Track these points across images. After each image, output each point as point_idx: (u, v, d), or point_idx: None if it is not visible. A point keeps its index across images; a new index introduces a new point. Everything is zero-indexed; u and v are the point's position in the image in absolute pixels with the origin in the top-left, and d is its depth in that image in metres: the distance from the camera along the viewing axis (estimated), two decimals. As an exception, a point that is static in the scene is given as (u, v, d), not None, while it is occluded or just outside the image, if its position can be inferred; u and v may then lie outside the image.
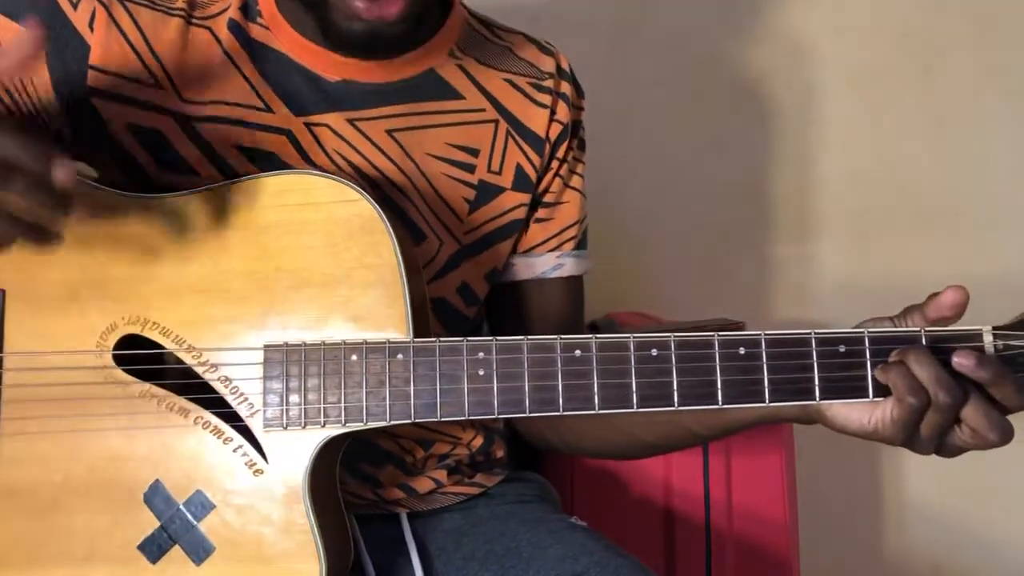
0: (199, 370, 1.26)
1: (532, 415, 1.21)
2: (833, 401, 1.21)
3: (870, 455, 2.30)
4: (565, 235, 1.56)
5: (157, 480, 1.25)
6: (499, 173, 1.49)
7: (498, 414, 1.21)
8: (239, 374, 1.25)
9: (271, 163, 1.38)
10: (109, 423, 1.25)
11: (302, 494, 1.23)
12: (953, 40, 2.33)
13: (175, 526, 1.24)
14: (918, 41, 2.34)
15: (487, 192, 1.49)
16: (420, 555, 1.45)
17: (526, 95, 1.51)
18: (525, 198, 1.51)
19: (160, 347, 1.26)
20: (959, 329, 1.19)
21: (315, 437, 1.23)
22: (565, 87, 1.54)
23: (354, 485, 1.43)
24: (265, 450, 1.24)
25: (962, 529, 2.35)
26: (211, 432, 1.25)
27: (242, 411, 1.24)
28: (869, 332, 1.20)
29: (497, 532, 1.47)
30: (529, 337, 1.21)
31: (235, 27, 1.39)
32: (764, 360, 1.19)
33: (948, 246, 2.34)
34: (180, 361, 1.27)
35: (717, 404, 1.19)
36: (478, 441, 1.55)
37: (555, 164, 1.53)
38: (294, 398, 1.23)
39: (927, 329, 1.19)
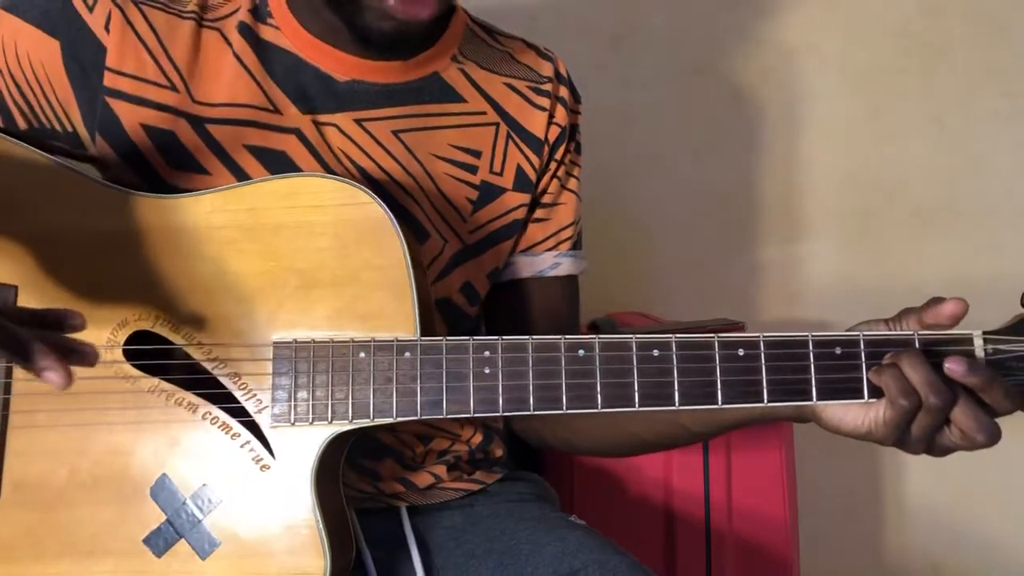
0: (208, 366, 1.27)
1: (536, 413, 1.22)
2: (828, 402, 1.23)
3: (870, 455, 2.31)
4: (562, 235, 1.58)
5: (164, 474, 1.26)
6: (500, 174, 1.51)
7: (503, 412, 1.23)
8: (248, 370, 1.26)
9: (281, 162, 1.40)
10: (117, 417, 1.26)
11: (308, 490, 1.23)
12: (953, 40, 2.33)
13: (181, 520, 1.25)
14: (918, 41, 2.34)
15: (489, 192, 1.50)
16: (420, 551, 1.45)
17: (525, 99, 1.53)
18: (525, 198, 1.53)
19: (170, 343, 1.27)
20: (950, 333, 1.21)
21: (322, 433, 1.24)
22: (563, 91, 1.56)
23: (353, 478, 1.44)
24: (272, 446, 1.25)
25: (962, 529, 2.35)
26: (219, 427, 1.26)
27: (250, 407, 1.25)
28: (864, 335, 1.22)
29: (497, 530, 1.48)
30: (534, 337, 1.23)
31: (245, 29, 1.41)
32: (763, 361, 1.21)
33: (947, 246, 2.34)
34: (190, 357, 1.27)
35: (717, 404, 1.21)
36: (477, 439, 1.57)
37: (553, 165, 1.55)
38: (302, 394, 1.24)
39: (920, 333, 1.22)
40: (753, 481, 1.85)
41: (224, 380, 1.26)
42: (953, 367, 1.17)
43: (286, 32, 1.42)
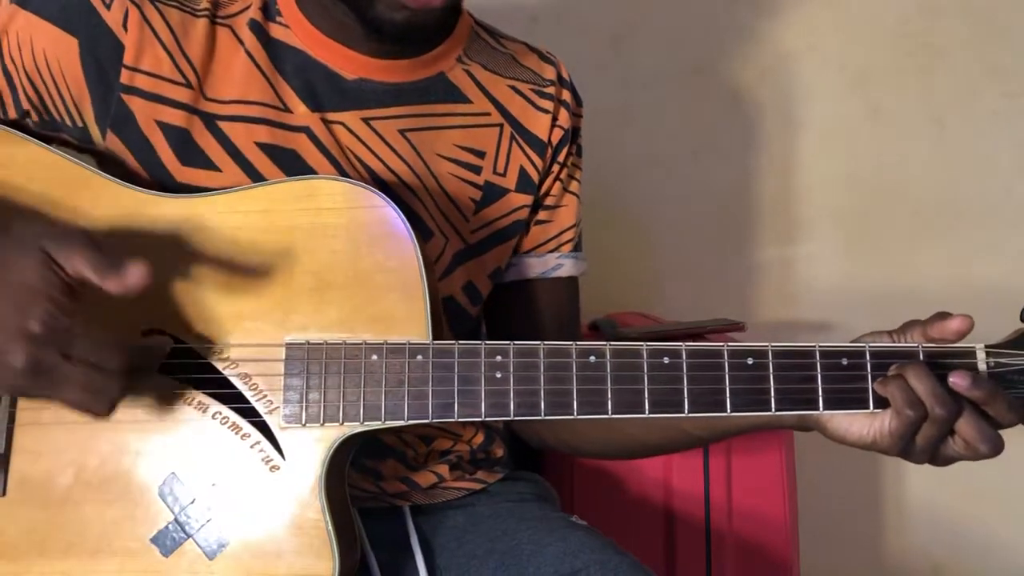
0: (219, 365, 1.27)
1: (547, 419, 1.23)
2: (834, 412, 1.24)
3: (870, 456, 2.28)
4: (564, 237, 1.59)
5: (173, 473, 1.26)
6: (504, 175, 1.52)
7: (514, 417, 1.23)
8: (259, 371, 1.26)
9: (292, 160, 1.40)
10: (126, 416, 1.25)
11: (318, 492, 1.23)
12: (953, 40, 2.34)
13: (190, 520, 1.24)
14: (918, 41, 2.34)
15: (493, 193, 1.51)
16: (423, 552, 1.46)
17: (529, 101, 1.54)
18: (528, 199, 1.54)
19: (182, 342, 1.27)
20: (953, 347, 1.23)
21: (333, 435, 1.24)
22: (566, 95, 1.57)
23: (356, 478, 1.44)
24: (282, 447, 1.24)
25: (962, 529, 2.35)
26: (229, 427, 1.25)
27: (261, 407, 1.25)
28: (870, 347, 1.23)
29: (498, 530, 1.48)
30: (545, 342, 1.23)
31: (255, 26, 1.41)
32: (771, 370, 1.22)
33: (947, 246, 2.35)
34: (201, 356, 1.27)
35: (725, 411, 1.22)
36: (479, 439, 1.57)
37: (556, 168, 1.56)
38: (314, 396, 1.24)
39: (924, 345, 1.23)
40: (753, 481, 1.85)
41: (235, 380, 1.26)
42: (957, 381, 1.18)
43: (295, 30, 1.42)
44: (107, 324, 1.17)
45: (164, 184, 1.38)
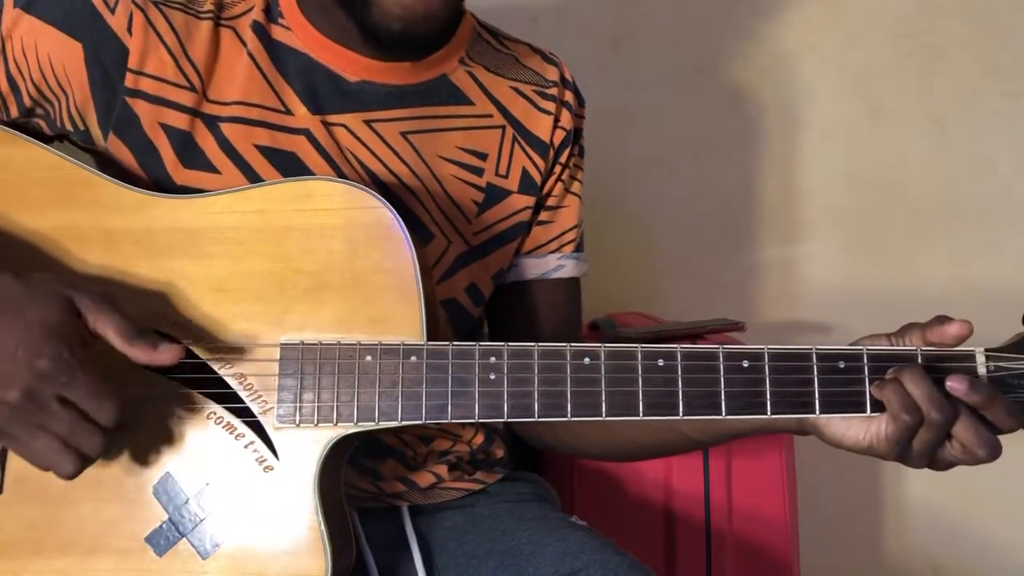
0: (214, 366, 1.27)
1: (540, 420, 1.23)
2: (831, 415, 1.23)
3: (869, 457, 2.29)
4: (565, 238, 1.59)
5: (167, 473, 1.26)
6: (506, 177, 1.52)
7: (507, 418, 1.23)
8: (254, 371, 1.26)
9: (290, 163, 1.40)
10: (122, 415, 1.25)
11: (311, 492, 1.23)
12: (953, 40, 2.34)
13: (183, 519, 1.25)
14: (918, 41, 2.34)
15: (495, 195, 1.51)
16: (421, 552, 1.46)
17: (531, 102, 1.54)
18: (530, 201, 1.54)
19: (177, 342, 1.26)
20: (953, 350, 1.22)
21: (326, 436, 1.24)
22: (568, 96, 1.57)
23: (355, 478, 1.44)
24: (276, 447, 1.25)
25: (962, 529, 2.35)
26: (223, 427, 1.26)
27: (255, 408, 1.25)
28: (868, 349, 1.23)
29: (498, 531, 1.48)
30: (540, 344, 1.23)
31: (258, 28, 1.41)
32: (767, 373, 1.22)
33: (947, 246, 2.34)
34: (196, 356, 1.27)
35: (721, 414, 1.22)
36: (478, 439, 1.57)
37: (558, 169, 1.56)
38: (308, 396, 1.24)
39: (923, 349, 1.22)
40: (753, 482, 1.85)
41: (230, 380, 1.26)
42: (955, 385, 1.17)
43: (297, 32, 1.42)
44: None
45: (162, 185, 1.38)
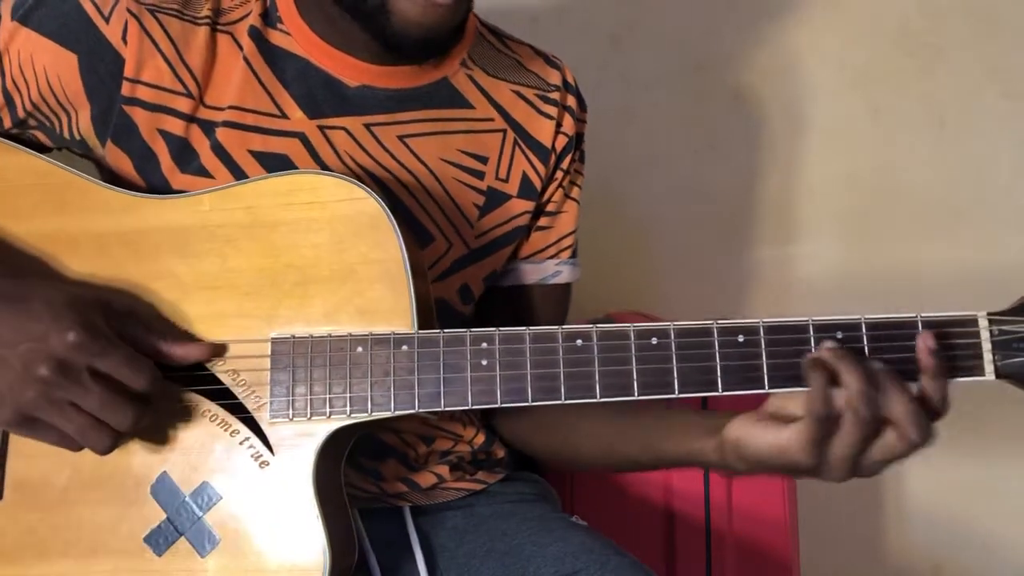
0: (207, 363, 1.27)
1: (535, 404, 1.22)
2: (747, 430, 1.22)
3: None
4: (563, 243, 1.59)
5: (164, 472, 1.26)
6: (506, 180, 1.51)
7: (501, 403, 1.22)
8: (247, 367, 1.27)
9: (282, 165, 1.40)
10: (118, 415, 1.26)
11: (308, 486, 1.24)
12: (953, 40, 2.33)
13: (181, 518, 1.25)
14: (918, 41, 2.34)
15: (495, 198, 1.51)
16: (423, 552, 1.46)
17: (533, 107, 1.53)
18: (529, 205, 1.53)
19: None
20: (954, 315, 1.20)
21: (321, 429, 1.24)
22: (570, 100, 1.56)
23: (356, 478, 1.44)
24: (271, 442, 1.25)
25: (962, 529, 2.34)
26: (218, 424, 1.26)
27: (249, 403, 1.26)
28: (866, 318, 1.21)
29: (499, 531, 1.48)
30: (531, 328, 1.23)
31: (255, 33, 1.41)
32: (763, 347, 1.20)
33: (948, 246, 2.34)
34: None
35: (717, 391, 1.20)
36: (479, 439, 1.57)
37: (559, 175, 1.55)
38: (300, 389, 1.25)
39: (923, 315, 1.20)
40: (753, 481, 1.84)
41: (223, 377, 1.27)
42: (926, 341, 1.17)
43: (296, 37, 1.42)
44: None
45: (159, 190, 1.38)
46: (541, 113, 1.53)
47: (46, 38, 1.36)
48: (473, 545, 1.48)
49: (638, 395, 1.21)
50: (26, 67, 1.37)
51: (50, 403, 1.17)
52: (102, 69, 1.37)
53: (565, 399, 1.22)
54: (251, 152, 1.39)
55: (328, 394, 1.24)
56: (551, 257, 1.58)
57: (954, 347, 1.19)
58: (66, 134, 1.41)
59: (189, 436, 1.27)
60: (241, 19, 1.42)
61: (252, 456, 1.25)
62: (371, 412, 1.23)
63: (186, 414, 1.27)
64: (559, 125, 1.54)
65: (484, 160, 1.50)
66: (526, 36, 1.59)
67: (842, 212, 2.34)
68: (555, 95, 1.54)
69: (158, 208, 1.32)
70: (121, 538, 1.26)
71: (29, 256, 1.31)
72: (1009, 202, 2.33)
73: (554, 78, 1.56)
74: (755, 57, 2.33)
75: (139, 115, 1.38)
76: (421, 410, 1.23)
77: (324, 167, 1.40)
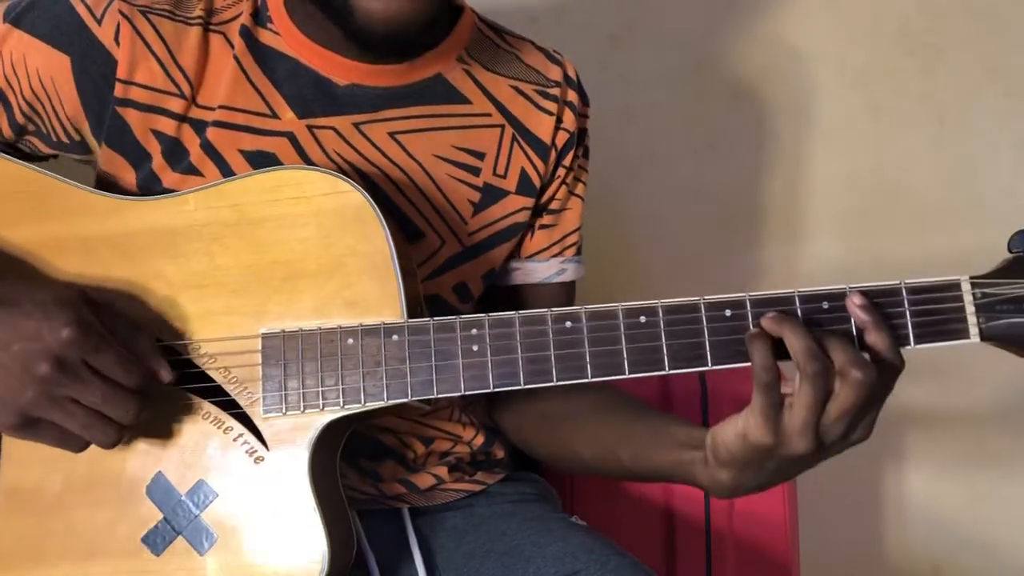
0: (198, 361, 1.28)
1: (527, 387, 1.22)
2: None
3: (870, 455, 2.29)
4: (567, 241, 1.58)
5: (159, 472, 1.27)
6: (504, 177, 1.51)
7: (493, 388, 1.23)
8: (238, 363, 1.27)
9: (269, 163, 1.39)
10: (111, 417, 1.26)
11: (304, 480, 1.24)
12: (953, 40, 2.33)
13: (178, 517, 1.25)
14: (918, 41, 2.33)
15: (492, 195, 1.50)
16: (422, 552, 1.46)
17: (532, 102, 1.52)
18: (528, 202, 1.52)
19: (160, 341, 1.28)
20: (937, 280, 1.20)
21: (315, 422, 1.25)
22: (571, 95, 1.55)
23: (355, 480, 1.44)
24: (265, 437, 1.25)
25: (962, 529, 2.34)
26: (211, 422, 1.27)
27: (241, 400, 1.26)
28: (850, 287, 1.20)
29: (498, 531, 1.48)
30: (520, 312, 1.23)
31: (246, 33, 1.41)
32: (750, 321, 1.20)
33: (948, 245, 2.33)
34: (180, 354, 1.28)
35: (707, 365, 1.20)
36: (479, 440, 1.56)
37: (562, 172, 1.54)
38: (292, 383, 1.25)
39: (906, 282, 1.20)
40: (753, 481, 1.84)
41: (215, 375, 1.27)
42: (855, 299, 1.18)
43: (285, 37, 1.42)
44: None
45: (152, 189, 1.39)
46: (540, 109, 1.52)
47: (39, 40, 1.37)
48: (472, 545, 1.48)
49: (629, 373, 1.20)
50: (19, 69, 1.37)
51: (51, 401, 1.17)
52: (95, 71, 1.37)
53: (557, 380, 1.22)
54: (241, 151, 1.40)
55: (320, 387, 1.24)
56: (556, 255, 1.57)
57: (938, 311, 1.19)
58: (63, 137, 1.41)
59: (183, 435, 1.27)
60: (233, 19, 1.42)
61: (247, 452, 1.25)
62: (364, 403, 1.24)
63: (179, 413, 1.27)
64: (559, 121, 1.53)
65: (481, 156, 1.49)
66: (526, 36, 1.59)
67: (842, 211, 2.34)
68: (555, 90, 1.53)
69: (144, 209, 1.33)
70: (119, 539, 1.26)
71: (16, 260, 1.31)
72: (1009, 202, 2.33)
73: (554, 73, 1.55)
74: (755, 56, 2.32)
75: (132, 116, 1.38)
76: (414, 398, 1.23)
77: (310, 163, 1.40)
